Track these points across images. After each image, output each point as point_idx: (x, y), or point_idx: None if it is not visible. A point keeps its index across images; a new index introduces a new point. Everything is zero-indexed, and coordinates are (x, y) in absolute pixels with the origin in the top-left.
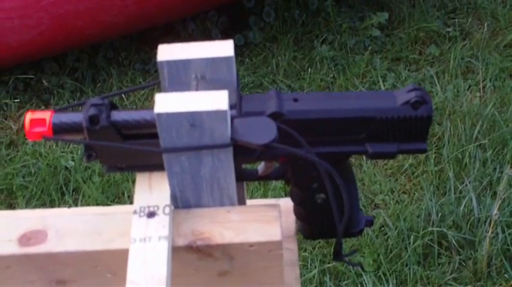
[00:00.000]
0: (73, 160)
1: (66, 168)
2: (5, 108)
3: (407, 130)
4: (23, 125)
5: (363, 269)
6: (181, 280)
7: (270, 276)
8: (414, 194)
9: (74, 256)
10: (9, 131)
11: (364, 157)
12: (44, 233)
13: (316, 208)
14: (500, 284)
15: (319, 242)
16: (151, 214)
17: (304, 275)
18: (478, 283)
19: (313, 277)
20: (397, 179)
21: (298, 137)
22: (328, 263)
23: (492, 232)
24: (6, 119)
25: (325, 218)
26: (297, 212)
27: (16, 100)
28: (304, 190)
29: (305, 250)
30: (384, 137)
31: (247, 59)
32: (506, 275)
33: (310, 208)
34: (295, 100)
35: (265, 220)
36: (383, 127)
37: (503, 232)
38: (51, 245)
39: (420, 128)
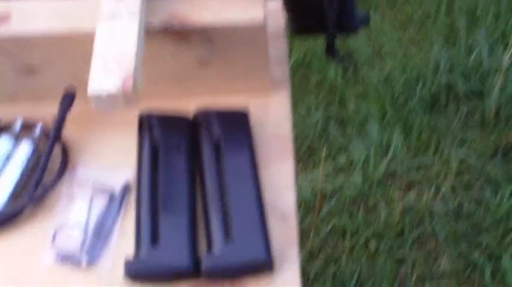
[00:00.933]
0: None
1: None
2: None
3: None
4: None
5: (353, 66)
6: (159, 68)
7: (255, 65)
8: (423, 45)
9: (41, 38)
10: None
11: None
12: (7, 15)
13: None
14: (506, 134)
15: (324, 90)
16: None
17: (307, 121)
18: (485, 132)
19: (318, 122)
20: (405, 30)
21: None
22: (333, 109)
23: (502, 82)
24: None
25: (317, 9)
26: (286, 2)
27: None
28: None
29: (309, 97)
30: None
31: None
32: None
33: None
34: None
35: (248, 1)
36: None
37: None
38: (15, 27)
39: None
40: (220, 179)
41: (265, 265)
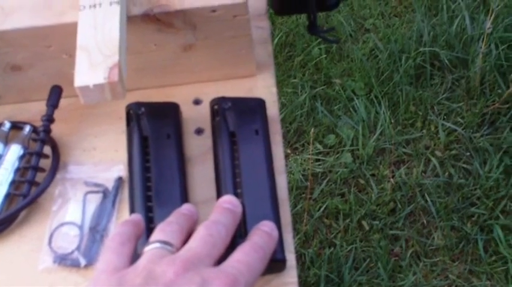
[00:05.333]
0: None
1: None
2: None
3: None
4: None
5: (337, 42)
6: (144, 58)
7: (239, 48)
8: (405, 16)
9: (23, 33)
10: None
11: None
12: None
13: None
14: (493, 101)
15: (309, 69)
16: None
17: (293, 101)
18: (471, 101)
19: (304, 102)
20: (387, 3)
21: None
22: (319, 88)
23: (486, 48)
24: None
25: None
26: None
27: None
28: None
29: (295, 77)
30: None
31: None
32: (499, 90)
33: None
34: None
35: None
36: None
37: (496, 48)
38: None
39: None
40: (235, 172)
41: (279, 263)
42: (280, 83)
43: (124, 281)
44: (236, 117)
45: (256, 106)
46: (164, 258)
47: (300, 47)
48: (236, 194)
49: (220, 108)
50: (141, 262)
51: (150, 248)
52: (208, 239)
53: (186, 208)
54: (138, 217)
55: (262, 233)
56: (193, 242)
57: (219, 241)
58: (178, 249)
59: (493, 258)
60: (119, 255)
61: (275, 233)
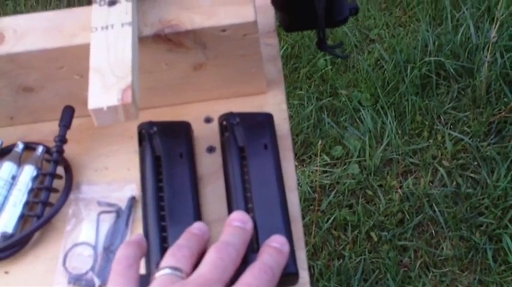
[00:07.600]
0: None
1: None
2: None
3: None
4: None
5: (346, 57)
6: (155, 77)
7: (249, 66)
8: (410, 26)
9: (35, 55)
10: None
11: None
12: (1, 35)
13: None
14: (499, 109)
15: (315, 80)
16: (112, 2)
17: (300, 113)
18: (477, 110)
19: (311, 114)
20: (391, 13)
21: None
22: (325, 99)
23: (491, 57)
24: None
25: (306, 6)
26: (276, 1)
27: None
28: None
29: (301, 89)
30: None
31: None
32: (505, 99)
33: None
34: None
35: (237, 2)
36: None
37: (502, 56)
38: (9, 46)
39: None
40: (245, 186)
41: (291, 276)
42: (286, 95)
43: None
44: (245, 132)
45: (264, 121)
46: (174, 284)
47: (305, 58)
48: (247, 209)
49: (229, 123)
50: None
51: (161, 274)
52: (218, 263)
53: (196, 227)
54: (140, 237)
55: (272, 250)
56: (203, 267)
57: (229, 264)
58: (188, 274)
59: (503, 267)
60: (126, 279)
61: (286, 247)
